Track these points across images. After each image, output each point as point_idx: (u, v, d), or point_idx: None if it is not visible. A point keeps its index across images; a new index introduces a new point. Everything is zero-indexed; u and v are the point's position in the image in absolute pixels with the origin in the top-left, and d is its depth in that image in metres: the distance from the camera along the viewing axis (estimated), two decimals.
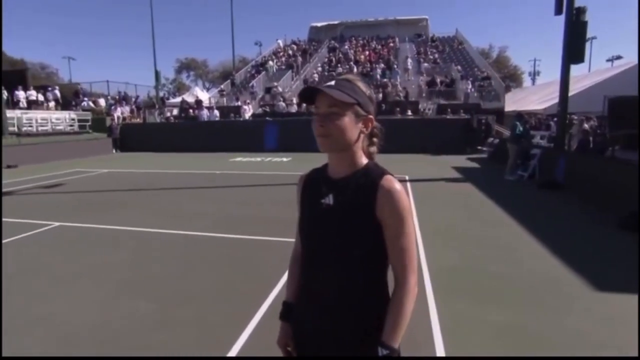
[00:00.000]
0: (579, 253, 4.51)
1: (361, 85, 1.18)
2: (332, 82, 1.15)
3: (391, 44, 30.74)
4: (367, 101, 1.17)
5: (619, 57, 38.89)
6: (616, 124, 10.98)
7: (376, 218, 1.12)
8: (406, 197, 1.12)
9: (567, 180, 8.18)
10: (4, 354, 2.65)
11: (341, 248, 1.15)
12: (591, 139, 10.44)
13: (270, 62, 28.98)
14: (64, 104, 20.17)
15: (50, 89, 20.32)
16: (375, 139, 1.26)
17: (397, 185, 1.12)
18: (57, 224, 5.92)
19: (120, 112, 20.80)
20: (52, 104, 19.14)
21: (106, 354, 2.64)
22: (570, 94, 10.78)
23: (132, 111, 22.13)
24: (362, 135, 1.18)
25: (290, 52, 31.95)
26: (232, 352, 2.63)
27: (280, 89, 24.00)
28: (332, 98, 1.09)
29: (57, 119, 17.87)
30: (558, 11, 9.65)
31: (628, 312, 3.14)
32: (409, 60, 26.82)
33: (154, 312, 3.21)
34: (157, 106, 23.66)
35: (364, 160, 1.20)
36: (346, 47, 31.23)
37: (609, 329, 2.90)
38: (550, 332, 2.87)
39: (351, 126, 1.13)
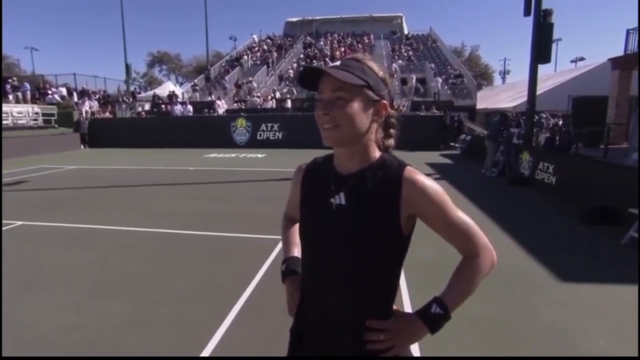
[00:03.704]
0: (546, 245, 4.69)
1: (372, 65, 1.00)
2: (337, 63, 0.99)
3: (366, 41, 30.93)
4: (380, 83, 1.00)
5: (581, 59, 40.75)
6: (580, 122, 11.51)
7: (399, 219, 0.97)
8: (437, 184, 0.99)
9: (535, 176, 8.50)
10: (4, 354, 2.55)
11: (354, 256, 0.99)
12: (557, 137, 10.89)
13: (245, 57, 28.61)
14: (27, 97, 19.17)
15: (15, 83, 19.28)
16: (391, 130, 1.08)
17: (423, 176, 0.98)
18: (20, 223, 5.64)
19: (89, 107, 20.01)
20: (11, 96, 18.16)
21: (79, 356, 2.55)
22: (538, 92, 11.18)
23: (100, 105, 21.32)
24: (374, 125, 1.01)
25: (266, 47, 31.63)
26: (207, 351, 2.59)
27: (255, 85, 23.72)
28: (338, 80, 0.93)
29: (19, 112, 16.98)
30: (527, 12, 9.97)
31: (591, 300, 3.31)
32: (385, 60, 27.08)
33: (127, 312, 3.11)
34: (122, 100, 22.85)
35: (377, 154, 1.04)
36: (321, 43, 31.19)
37: (576, 318, 3.03)
38: (521, 321, 2.97)
39: (361, 113, 0.96)
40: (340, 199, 1.01)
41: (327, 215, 1.02)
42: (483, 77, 50.33)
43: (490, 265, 1.03)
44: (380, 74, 1.00)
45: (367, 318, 1.01)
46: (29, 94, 18.82)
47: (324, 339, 1.05)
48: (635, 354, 2.57)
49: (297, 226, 1.22)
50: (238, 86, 23.73)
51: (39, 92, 20.10)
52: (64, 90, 20.99)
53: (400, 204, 0.96)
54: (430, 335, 1.03)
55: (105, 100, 22.25)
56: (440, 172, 10.51)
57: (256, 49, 31.56)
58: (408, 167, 0.99)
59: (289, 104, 20.40)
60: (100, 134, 18.45)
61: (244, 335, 2.79)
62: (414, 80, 22.57)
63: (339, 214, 1.01)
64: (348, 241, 0.99)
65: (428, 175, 0.98)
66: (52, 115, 18.31)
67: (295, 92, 22.44)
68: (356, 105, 0.95)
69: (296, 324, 1.15)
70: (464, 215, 1.02)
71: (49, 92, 20.17)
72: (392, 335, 1.00)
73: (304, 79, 1.01)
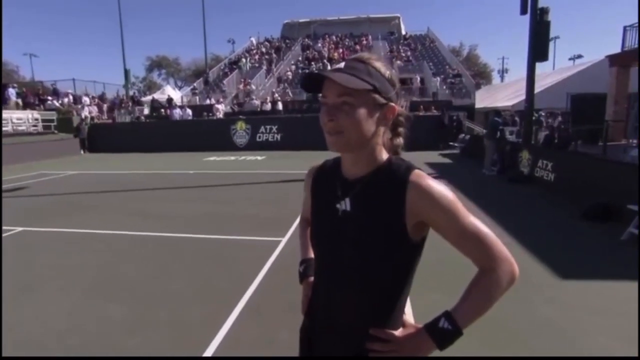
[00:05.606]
0: (545, 243, 4.69)
1: (378, 65, 0.95)
2: (342, 65, 0.94)
3: (364, 42, 30.97)
4: (387, 85, 0.95)
5: (579, 56, 40.81)
6: (578, 119, 11.53)
7: (405, 226, 0.92)
8: (447, 189, 0.93)
9: (535, 173, 8.51)
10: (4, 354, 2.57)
11: (359, 264, 0.96)
12: (556, 134, 10.91)
13: (244, 60, 28.65)
14: (27, 103, 19.18)
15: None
16: (400, 129, 1.05)
17: (431, 180, 0.92)
18: (20, 229, 5.65)
19: (88, 112, 20.06)
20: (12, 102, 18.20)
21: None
22: (536, 91, 11.19)
23: (100, 111, 21.38)
24: (381, 128, 0.97)
25: (264, 49, 31.68)
26: (207, 353, 2.60)
27: (253, 87, 23.76)
28: (342, 85, 0.88)
29: (19, 119, 17.02)
30: (523, 11, 10.00)
31: (590, 298, 3.31)
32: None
33: (126, 315, 3.12)
34: (123, 104, 22.90)
35: (385, 156, 1.00)
36: (319, 44, 31.24)
37: (574, 316, 3.04)
38: (520, 320, 2.98)
39: (368, 118, 0.91)
40: (345, 204, 0.99)
41: (333, 221, 1.01)
42: (481, 76, 50.30)
43: (509, 280, 0.95)
44: (387, 74, 0.96)
45: (372, 326, 0.98)
46: (13, 99, 18.67)
47: (330, 342, 1.04)
48: (635, 353, 2.55)
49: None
50: (246, 85, 23.74)
51: (39, 98, 20.15)
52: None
53: (406, 210, 0.91)
54: (439, 351, 0.97)
55: (115, 107, 22.27)
56: (440, 171, 10.52)
57: (254, 51, 31.60)
58: (415, 171, 0.94)
59: (280, 106, 20.40)
60: (100, 139, 18.49)
61: (244, 338, 2.80)
62: (418, 80, 22.60)
63: (344, 220, 0.99)
64: (353, 248, 0.96)
65: (428, 175, 0.96)
66: (52, 121, 18.34)
67: (290, 94, 22.47)
68: (362, 111, 0.90)
69: (306, 323, 1.17)
70: (478, 222, 0.94)
71: (49, 98, 20.22)
72: (395, 347, 0.97)
73: (307, 84, 0.97)
